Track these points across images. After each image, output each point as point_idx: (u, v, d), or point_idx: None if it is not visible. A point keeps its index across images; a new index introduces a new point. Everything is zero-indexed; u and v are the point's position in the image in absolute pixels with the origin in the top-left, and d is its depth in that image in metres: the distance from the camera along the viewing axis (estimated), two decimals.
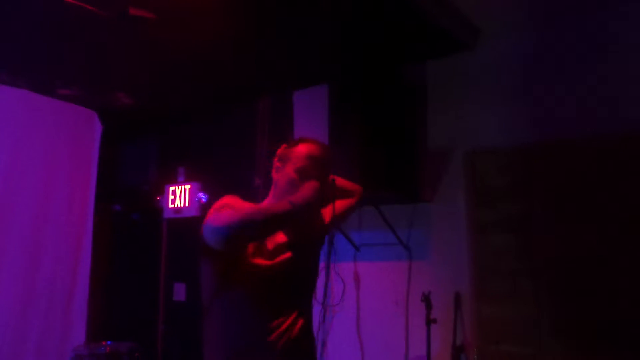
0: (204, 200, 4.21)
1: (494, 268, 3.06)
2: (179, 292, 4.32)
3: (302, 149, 2.03)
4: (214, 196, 2.05)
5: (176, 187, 4.39)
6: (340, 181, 2.20)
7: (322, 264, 3.65)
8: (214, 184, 4.23)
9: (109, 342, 3.89)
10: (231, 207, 1.83)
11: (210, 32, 2.97)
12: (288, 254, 1.99)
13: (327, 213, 2.13)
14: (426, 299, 3.06)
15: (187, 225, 4.20)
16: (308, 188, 1.91)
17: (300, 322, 2.00)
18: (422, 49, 3.28)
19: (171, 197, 4.39)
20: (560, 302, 2.86)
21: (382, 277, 3.47)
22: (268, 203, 2.04)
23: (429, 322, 3.04)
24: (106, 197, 4.56)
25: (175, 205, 4.35)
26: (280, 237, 2.02)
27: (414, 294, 3.27)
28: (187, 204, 4.29)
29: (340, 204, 2.19)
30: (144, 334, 4.21)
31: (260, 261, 1.92)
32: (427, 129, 3.40)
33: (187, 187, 4.34)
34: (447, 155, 3.31)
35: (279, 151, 2.10)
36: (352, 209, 2.31)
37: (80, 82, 3.81)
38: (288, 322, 1.94)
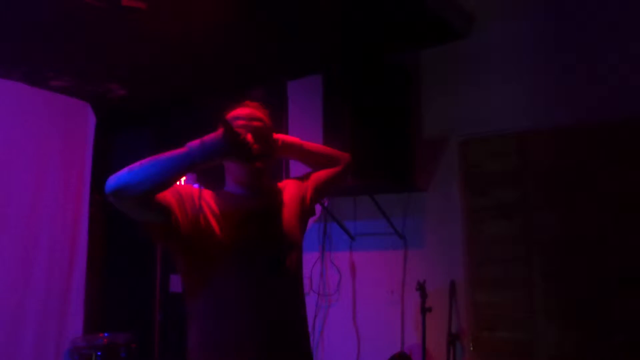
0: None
1: (488, 255, 3.08)
2: (175, 283, 4.33)
3: (232, 113, 1.89)
4: (209, 186, 1.97)
5: None
6: (317, 146, 2.16)
7: (317, 254, 3.68)
8: (208, 174, 4.22)
9: (106, 334, 3.90)
10: None
11: (202, 22, 2.96)
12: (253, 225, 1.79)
13: (309, 183, 2.06)
14: (421, 288, 3.08)
15: None
16: (214, 134, 1.70)
17: (284, 311, 1.79)
18: (416, 37, 3.27)
19: None
20: (555, 288, 2.88)
21: (378, 266, 3.48)
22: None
23: (424, 310, 3.05)
24: (102, 189, 4.53)
25: None
26: (245, 205, 1.82)
27: (409, 283, 3.28)
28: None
29: (325, 172, 2.12)
30: (140, 325, 4.21)
31: (218, 234, 1.74)
32: (421, 117, 3.41)
33: (182, 178, 4.32)
34: (441, 143, 3.31)
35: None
36: (337, 175, 2.15)
37: (73, 73, 3.79)
38: (266, 313, 1.74)
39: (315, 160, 2.13)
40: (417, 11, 2.90)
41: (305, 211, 2.01)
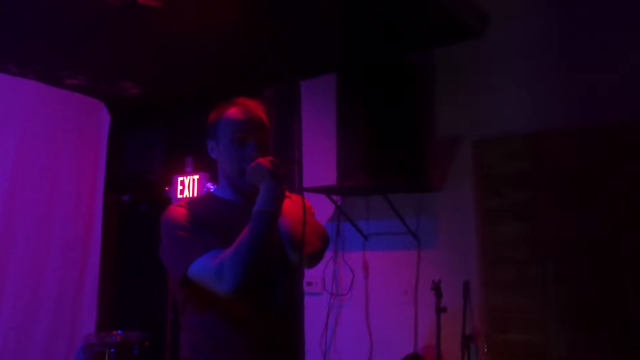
0: (212, 190, 4.21)
1: (502, 256, 3.05)
2: None
3: (228, 115, 1.75)
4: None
5: (184, 177, 4.39)
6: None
7: (330, 253, 3.68)
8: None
9: (119, 332, 3.92)
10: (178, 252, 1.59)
11: (215, 21, 2.97)
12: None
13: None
14: (436, 288, 3.06)
15: None
16: (258, 171, 1.61)
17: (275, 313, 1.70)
18: (430, 36, 3.26)
19: (179, 187, 4.39)
20: (568, 289, 2.85)
21: (391, 266, 3.46)
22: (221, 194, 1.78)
23: (439, 310, 3.03)
24: (115, 188, 4.57)
25: (184, 196, 4.36)
26: (242, 216, 1.65)
27: (423, 283, 3.26)
28: (195, 195, 4.30)
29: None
30: (153, 323, 4.23)
31: None
32: (435, 117, 3.39)
33: (196, 177, 4.33)
34: (455, 143, 3.29)
35: (206, 126, 1.82)
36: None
37: (88, 72, 3.81)
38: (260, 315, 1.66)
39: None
40: (431, 9, 2.88)
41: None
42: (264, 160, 1.64)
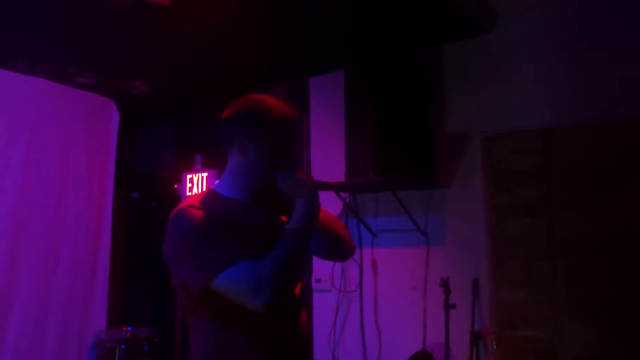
0: (215, 187, 4.22)
1: (511, 253, 3.04)
2: None
3: (275, 115, 1.64)
4: None
5: (193, 175, 4.41)
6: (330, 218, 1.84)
7: None
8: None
9: (129, 328, 3.95)
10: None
11: (224, 18, 2.97)
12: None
13: None
14: (445, 284, 3.05)
15: None
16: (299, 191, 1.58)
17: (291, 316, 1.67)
18: (439, 32, 3.24)
19: (188, 185, 4.42)
20: (579, 286, 2.84)
21: (400, 263, 3.46)
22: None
23: (448, 307, 3.02)
24: (124, 185, 4.60)
25: (192, 193, 4.38)
26: (254, 217, 1.64)
27: (432, 280, 3.26)
28: (201, 192, 4.32)
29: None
30: (162, 319, 4.25)
31: None
32: (444, 113, 3.37)
33: (205, 175, 4.35)
34: (464, 140, 3.27)
35: (229, 117, 1.68)
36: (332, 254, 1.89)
37: (98, 70, 3.83)
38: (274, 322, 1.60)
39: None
40: (441, 4, 2.87)
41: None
42: (305, 176, 1.62)
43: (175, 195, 4.51)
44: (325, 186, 1.67)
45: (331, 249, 1.82)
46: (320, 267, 3.75)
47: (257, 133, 1.63)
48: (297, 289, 1.71)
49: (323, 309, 3.70)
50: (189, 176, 4.43)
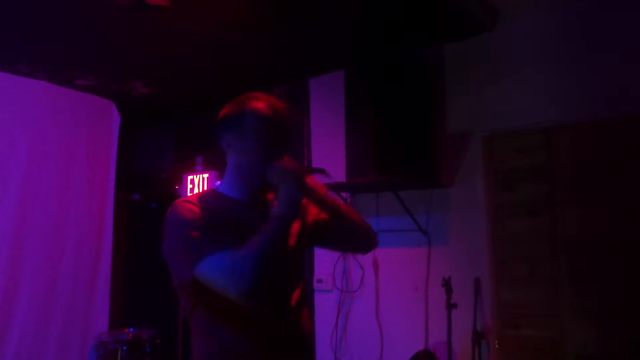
0: (216, 186, 4.22)
1: (513, 252, 3.03)
2: None
3: (256, 110, 1.63)
4: None
5: (194, 176, 4.41)
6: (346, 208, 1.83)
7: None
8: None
9: (131, 329, 3.95)
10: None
11: (224, 20, 2.97)
12: None
13: (311, 220, 1.77)
14: (446, 284, 3.05)
15: None
16: (282, 174, 1.55)
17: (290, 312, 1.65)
18: (440, 32, 3.24)
19: (189, 186, 4.42)
20: (581, 285, 2.83)
21: (401, 262, 3.46)
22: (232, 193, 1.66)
23: (450, 306, 3.02)
24: (125, 187, 4.60)
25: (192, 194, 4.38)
26: (253, 216, 1.62)
27: (433, 280, 3.26)
28: (201, 191, 4.33)
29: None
30: (164, 321, 4.25)
31: None
32: (445, 112, 3.37)
33: (205, 176, 4.36)
34: (466, 139, 3.27)
35: (221, 118, 1.68)
36: (354, 246, 1.95)
37: (98, 72, 3.83)
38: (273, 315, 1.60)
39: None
40: (441, 4, 2.86)
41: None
42: (289, 161, 1.59)
43: (176, 196, 4.51)
44: (314, 170, 1.64)
45: (356, 240, 1.85)
46: (322, 268, 3.75)
47: (244, 131, 1.64)
48: (297, 293, 1.68)
49: (325, 309, 3.70)
50: (189, 177, 4.44)
